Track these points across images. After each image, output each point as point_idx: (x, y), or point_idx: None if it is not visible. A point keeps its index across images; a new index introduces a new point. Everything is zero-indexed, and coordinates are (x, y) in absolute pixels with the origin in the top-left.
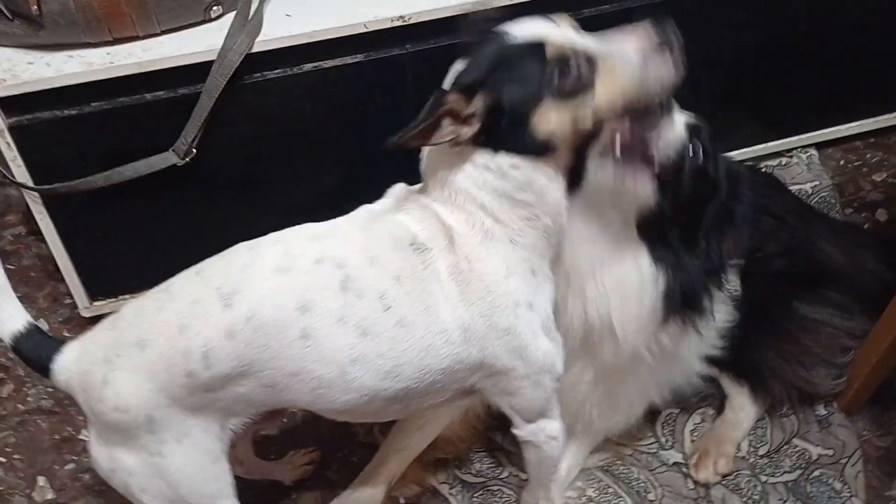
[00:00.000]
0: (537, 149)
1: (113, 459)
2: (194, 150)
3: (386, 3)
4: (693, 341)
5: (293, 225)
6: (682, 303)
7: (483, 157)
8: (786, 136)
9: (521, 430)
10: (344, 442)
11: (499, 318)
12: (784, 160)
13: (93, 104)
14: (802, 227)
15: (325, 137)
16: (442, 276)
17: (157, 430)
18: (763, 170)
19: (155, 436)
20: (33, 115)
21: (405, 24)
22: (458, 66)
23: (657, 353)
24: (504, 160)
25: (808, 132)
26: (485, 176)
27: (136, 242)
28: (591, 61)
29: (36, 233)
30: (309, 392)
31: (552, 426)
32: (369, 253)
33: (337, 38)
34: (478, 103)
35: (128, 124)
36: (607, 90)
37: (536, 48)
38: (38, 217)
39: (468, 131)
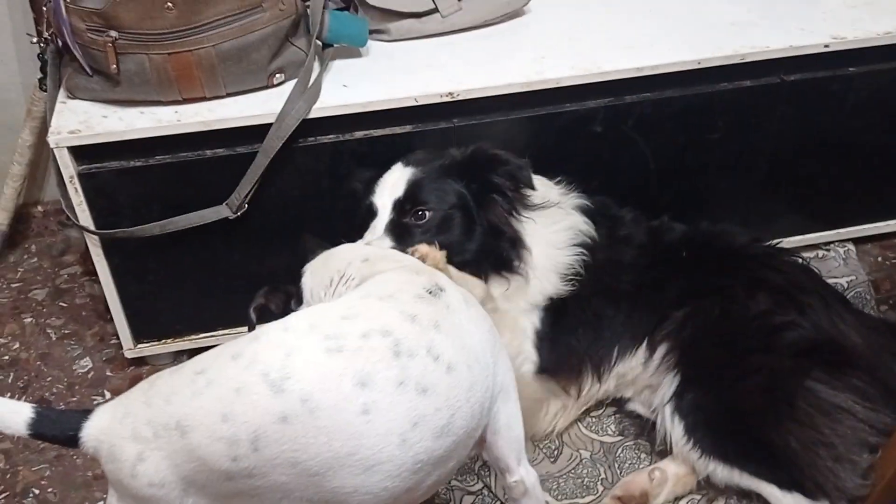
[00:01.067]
0: None
1: None
2: (246, 205)
3: (437, 80)
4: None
5: None
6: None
7: None
8: (824, 230)
9: (516, 477)
10: None
11: (496, 333)
12: (821, 253)
13: (157, 157)
14: (830, 315)
15: None
16: (462, 309)
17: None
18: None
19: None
20: (102, 164)
21: (453, 99)
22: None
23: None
24: None
25: (846, 227)
26: None
27: (184, 289)
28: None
29: (91, 273)
30: (361, 472)
31: (530, 469)
32: (406, 312)
33: (388, 110)
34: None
35: (187, 177)
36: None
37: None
38: (95, 259)
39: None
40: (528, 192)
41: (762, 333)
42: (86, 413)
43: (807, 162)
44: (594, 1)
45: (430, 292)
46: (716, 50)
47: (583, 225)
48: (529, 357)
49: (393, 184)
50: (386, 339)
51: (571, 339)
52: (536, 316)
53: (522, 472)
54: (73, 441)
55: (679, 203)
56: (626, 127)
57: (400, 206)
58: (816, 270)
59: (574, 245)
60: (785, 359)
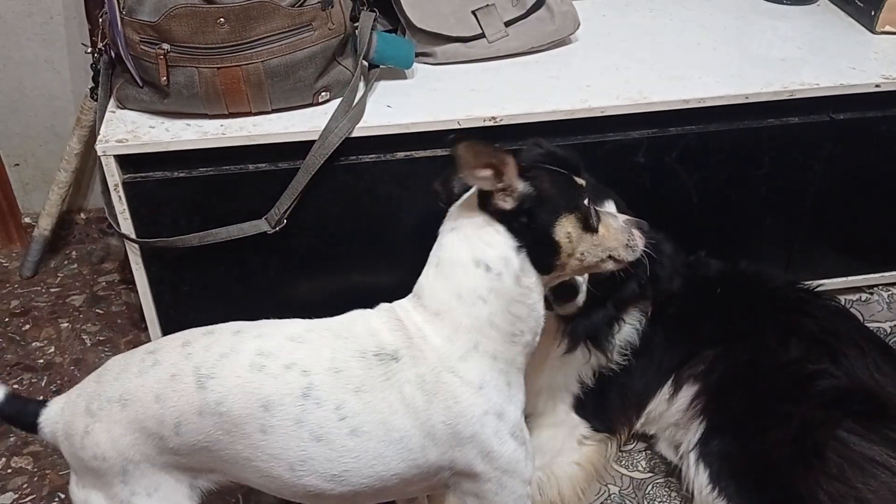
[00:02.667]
0: (546, 258)
1: (88, 502)
2: (285, 221)
3: (480, 104)
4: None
5: (371, 303)
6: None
7: (498, 251)
8: (868, 272)
9: None
10: None
11: (464, 427)
12: (864, 296)
13: (201, 169)
14: (866, 363)
15: (409, 222)
16: (405, 387)
17: (129, 481)
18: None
19: (128, 486)
20: (147, 174)
21: (496, 124)
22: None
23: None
24: (516, 262)
25: (891, 270)
26: (489, 283)
27: (219, 301)
28: (597, 215)
29: (128, 282)
30: (260, 478)
31: None
32: (335, 363)
33: (431, 132)
34: (522, 184)
35: (228, 190)
36: (603, 239)
37: (574, 181)
38: (133, 267)
39: (502, 202)
40: None
41: (793, 382)
42: (44, 402)
43: (853, 202)
44: (642, 31)
45: (377, 356)
46: (764, 85)
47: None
48: (579, 425)
49: None
50: (302, 379)
51: (627, 378)
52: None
53: None
54: (32, 427)
55: (720, 238)
56: (669, 159)
57: None
58: (857, 314)
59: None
60: (816, 408)
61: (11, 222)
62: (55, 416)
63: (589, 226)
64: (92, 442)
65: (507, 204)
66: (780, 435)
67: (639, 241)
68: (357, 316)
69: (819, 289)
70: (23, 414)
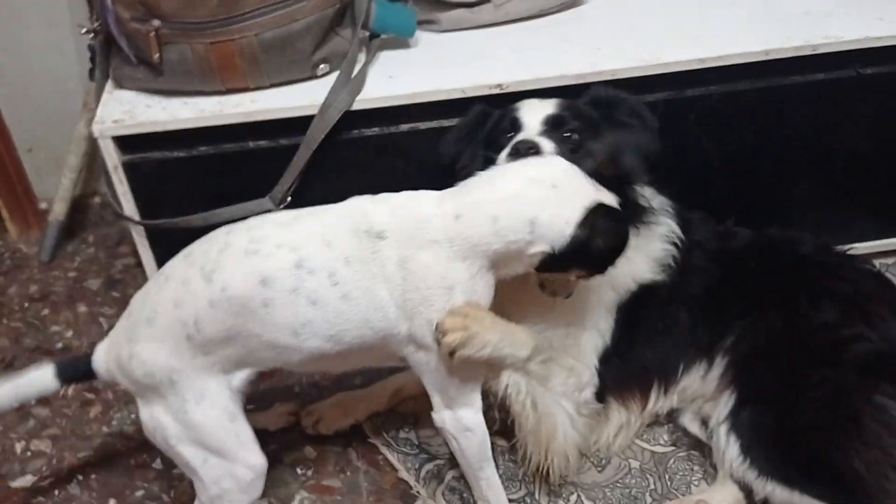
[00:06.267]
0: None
1: (153, 419)
2: (289, 198)
3: (486, 71)
4: None
5: None
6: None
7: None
8: None
9: (437, 416)
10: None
11: (426, 313)
12: None
13: (200, 148)
14: None
15: None
16: (388, 264)
17: (179, 390)
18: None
19: (178, 396)
20: (146, 154)
21: (502, 91)
22: None
23: None
24: (539, 248)
25: None
26: (516, 236)
27: None
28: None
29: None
30: (273, 351)
31: (469, 417)
32: (327, 237)
33: (435, 102)
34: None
35: (230, 169)
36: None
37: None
38: (140, 249)
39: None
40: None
41: (826, 347)
42: (87, 356)
43: (884, 162)
44: None
45: (367, 233)
46: (786, 40)
47: (671, 222)
48: (591, 382)
49: (539, 106)
50: (292, 254)
51: (646, 351)
52: (608, 326)
53: (445, 416)
54: (91, 374)
55: (745, 205)
56: (688, 122)
57: (551, 122)
58: (891, 278)
59: (666, 240)
60: (851, 373)
61: (28, 208)
62: (103, 357)
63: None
64: (137, 363)
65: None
66: (813, 402)
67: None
68: (353, 201)
69: (851, 252)
70: (79, 371)
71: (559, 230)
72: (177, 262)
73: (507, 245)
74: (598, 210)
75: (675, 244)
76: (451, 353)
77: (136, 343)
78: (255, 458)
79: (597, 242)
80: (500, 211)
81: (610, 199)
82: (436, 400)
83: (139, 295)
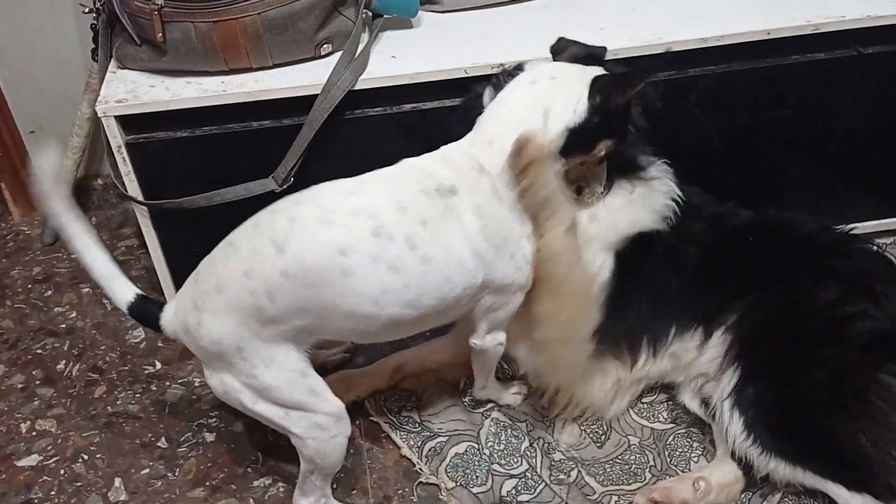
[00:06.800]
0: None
1: (223, 383)
2: (292, 179)
3: (489, 51)
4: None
5: None
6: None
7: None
8: None
9: (482, 341)
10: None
11: (508, 247)
12: None
13: (204, 128)
14: None
15: None
16: (465, 216)
17: (247, 356)
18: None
19: (247, 362)
20: (149, 134)
21: (504, 71)
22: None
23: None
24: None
25: None
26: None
27: None
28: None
29: (146, 246)
30: (349, 321)
31: (502, 336)
32: (400, 202)
33: (437, 82)
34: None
35: (233, 149)
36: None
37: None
38: (144, 230)
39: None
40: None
41: (831, 324)
42: (161, 305)
43: (884, 142)
44: None
45: (438, 191)
46: (787, 20)
47: (671, 182)
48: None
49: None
50: (370, 221)
51: (634, 304)
52: (608, 264)
53: (486, 339)
54: (157, 328)
55: (745, 186)
56: (688, 102)
57: None
58: (893, 258)
59: (666, 195)
60: (855, 351)
61: (31, 190)
62: (171, 317)
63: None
64: (205, 331)
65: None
66: (818, 379)
67: None
68: (407, 163)
69: (855, 233)
70: (149, 315)
71: (572, 108)
72: (242, 232)
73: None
74: (598, 80)
75: (674, 201)
76: (525, 169)
77: (204, 312)
78: (331, 406)
79: (614, 102)
80: (520, 119)
81: (603, 71)
82: (481, 327)
83: (205, 262)
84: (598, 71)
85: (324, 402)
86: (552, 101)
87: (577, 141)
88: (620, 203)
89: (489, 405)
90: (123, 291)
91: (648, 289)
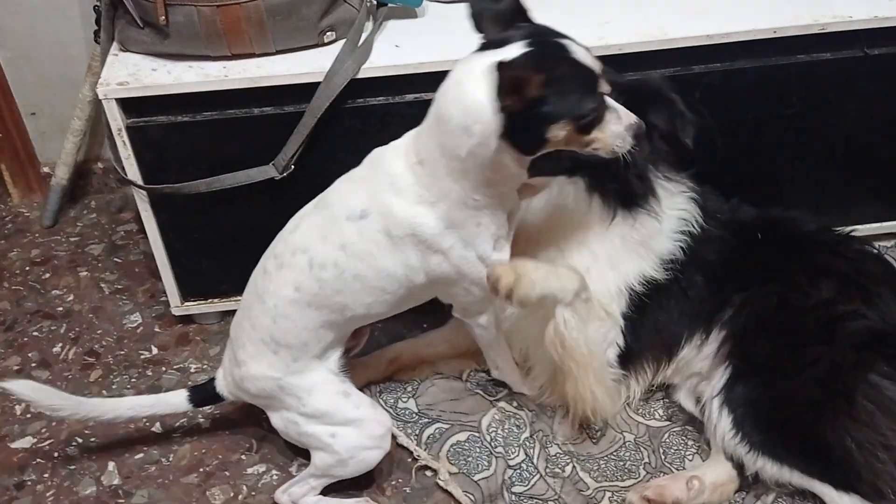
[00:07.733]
0: (529, 146)
1: (283, 420)
2: (292, 166)
3: None
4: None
5: None
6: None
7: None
8: None
9: (465, 320)
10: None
11: (436, 252)
12: None
13: (205, 113)
14: None
15: None
16: (377, 237)
17: (291, 391)
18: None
19: (293, 397)
20: (150, 118)
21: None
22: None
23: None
24: (494, 143)
25: None
26: (469, 146)
27: (229, 249)
28: (607, 110)
29: (145, 231)
30: (326, 327)
31: (482, 320)
32: (322, 233)
33: (441, 72)
34: (534, 91)
35: (234, 135)
36: (593, 141)
37: (591, 78)
38: (143, 214)
39: (512, 102)
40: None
41: (822, 323)
42: (212, 381)
43: (888, 144)
44: None
45: (349, 219)
46: (793, 19)
47: (691, 203)
48: (615, 340)
49: None
50: (304, 256)
51: (662, 314)
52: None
53: (468, 321)
54: (219, 397)
55: (746, 183)
56: (692, 99)
57: None
58: (891, 260)
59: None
60: (846, 350)
61: (31, 172)
62: (222, 382)
63: (584, 129)
64: (249, 383)
65: (517, 105)
66: (807, 378)
67: (625, 145)
68: (341, 181)
69: (853, 234)
70: (207, 395)
71: (481, 111)
72: (247, 288)
73: (471, 155)
74: (503, 67)
75: (689, 232)
76: (509, 297)
77: (240, 366)
78: (380, 420)
79: (529, 87)
80: (439, 135)
81: (507, 52)
82: (455, 310)
83: (235, 319)
84: (499, 54)
85: (373, 416)
86: (456, 109)
87: (522, 136)
88: (620, 247)
89: (498, 394)
90: (177, 399)
91: (674, 295)
